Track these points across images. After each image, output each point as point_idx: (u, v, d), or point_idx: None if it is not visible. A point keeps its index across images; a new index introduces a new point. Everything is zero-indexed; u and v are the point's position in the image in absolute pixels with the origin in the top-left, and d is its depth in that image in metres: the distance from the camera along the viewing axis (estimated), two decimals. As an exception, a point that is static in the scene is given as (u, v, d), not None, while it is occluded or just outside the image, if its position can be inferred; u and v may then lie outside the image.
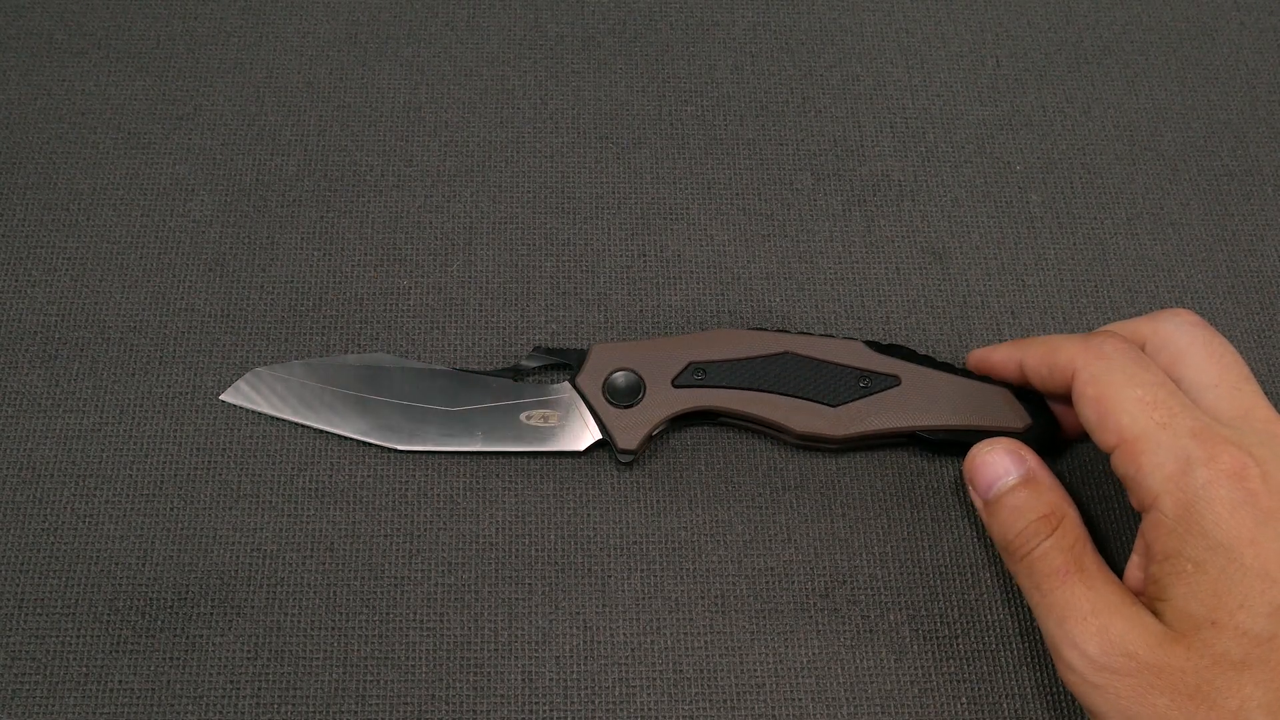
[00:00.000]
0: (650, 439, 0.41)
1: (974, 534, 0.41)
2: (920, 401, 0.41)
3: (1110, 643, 0.33)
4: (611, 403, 0.41)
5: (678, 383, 0.41)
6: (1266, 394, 0.36)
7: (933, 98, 0.50)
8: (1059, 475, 0.38)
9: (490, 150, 0.49)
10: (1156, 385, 0.35)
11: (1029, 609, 0.40)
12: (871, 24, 0.52)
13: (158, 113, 0.49)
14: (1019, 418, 0.40)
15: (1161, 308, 0.45)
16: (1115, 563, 0.37)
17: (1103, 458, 0.36)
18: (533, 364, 0.43)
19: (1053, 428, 0.41)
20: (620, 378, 0.41)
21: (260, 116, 0.49)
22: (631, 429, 0.41)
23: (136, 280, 0.45)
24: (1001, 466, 0.38)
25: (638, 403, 0.41)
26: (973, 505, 0.42)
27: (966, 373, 0.41)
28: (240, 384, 0.43)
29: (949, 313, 0.45)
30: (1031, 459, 0.38)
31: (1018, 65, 0.51)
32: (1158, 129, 0.50)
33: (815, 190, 0.48)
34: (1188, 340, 0.37)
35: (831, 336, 0.42)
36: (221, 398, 0.43)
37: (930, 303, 0.46)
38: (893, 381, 0.41)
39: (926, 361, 0.41)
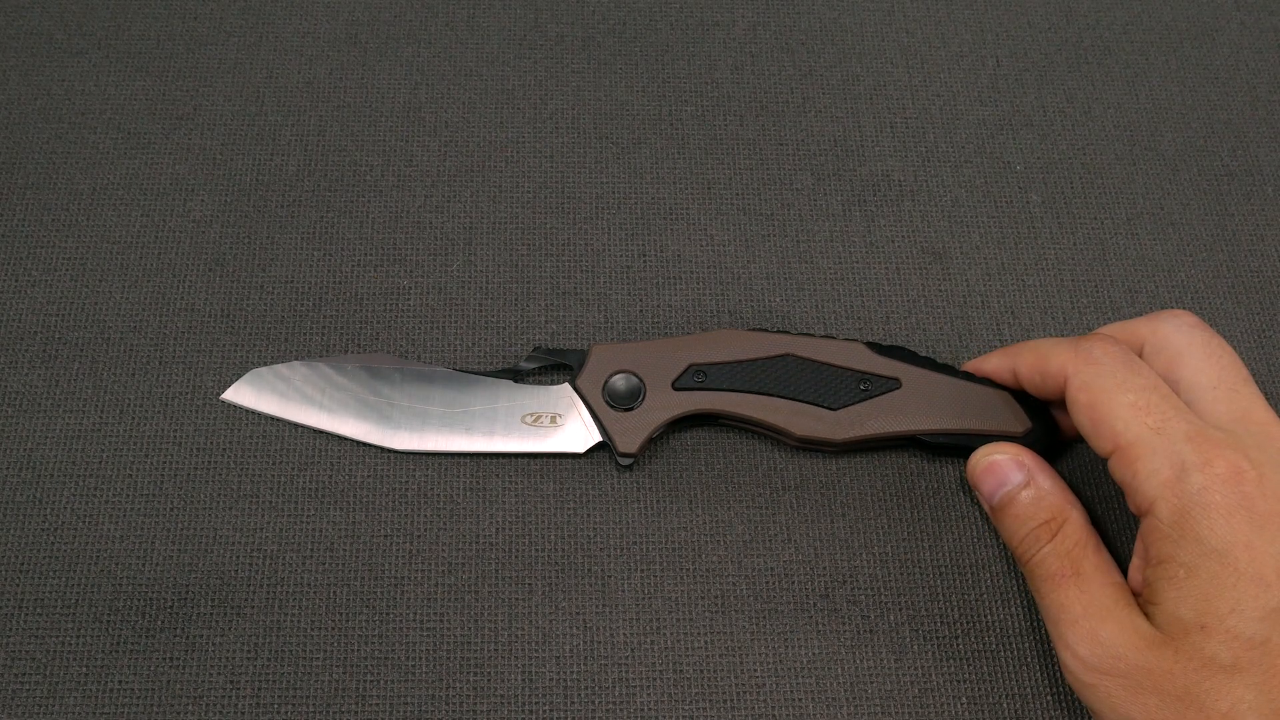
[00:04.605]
0: (650, 441, 0.41)
1: (974, 534, 0.41)
2: (920, 405, 0.41)
3: (1100, 645, 0.33)
4: (611, 405, 0.41)
5: (678, 385, 0.41)
6: (1266, 395, 0.36)
7: (933, 98, 0.50)
8: (1062, 474, 0.38)
9: (490, 150, 0.49)
10: (1149, 389, 0.35)
11: (1037, 607, 0.40)
12: (871, 24, 0.52)
13: (158, 113, 0.49)
14: (1019, 421, 0.40)
15: (1161, 308, 0.45)
16: (1124, 561, 0.37)
17: (1104, 459, 0.36)
18: (532, 365, 0.43)
19: (1053, 430, 0.41)
20: (620, 380, 0.41)
21: (260, 116, 0.49)
22: (631, 432, 0.41)
23: (136, 280, 0.45)
24: (1004, 472, 0.38)
25: (637, 406, 0.41)
26: (977, 506, 0.42)
27: (967, 375, 0.41)
28: (240, 384, 0.43)
29: (949, 313, 0.45)
30: (1033, 463, 0.38)
31: (1018, 65, 0.51)
32: (1158, 129, 0.50)
33: (815, 190, 0.48)
34: (1186, 341, 0.37)
35: (832, 338, 0.42)
36: (222, 398, 0.43)
37: (930, 303, 0.46)
38: (893, 384, 0.41)
39: (927, 363, 0.41)
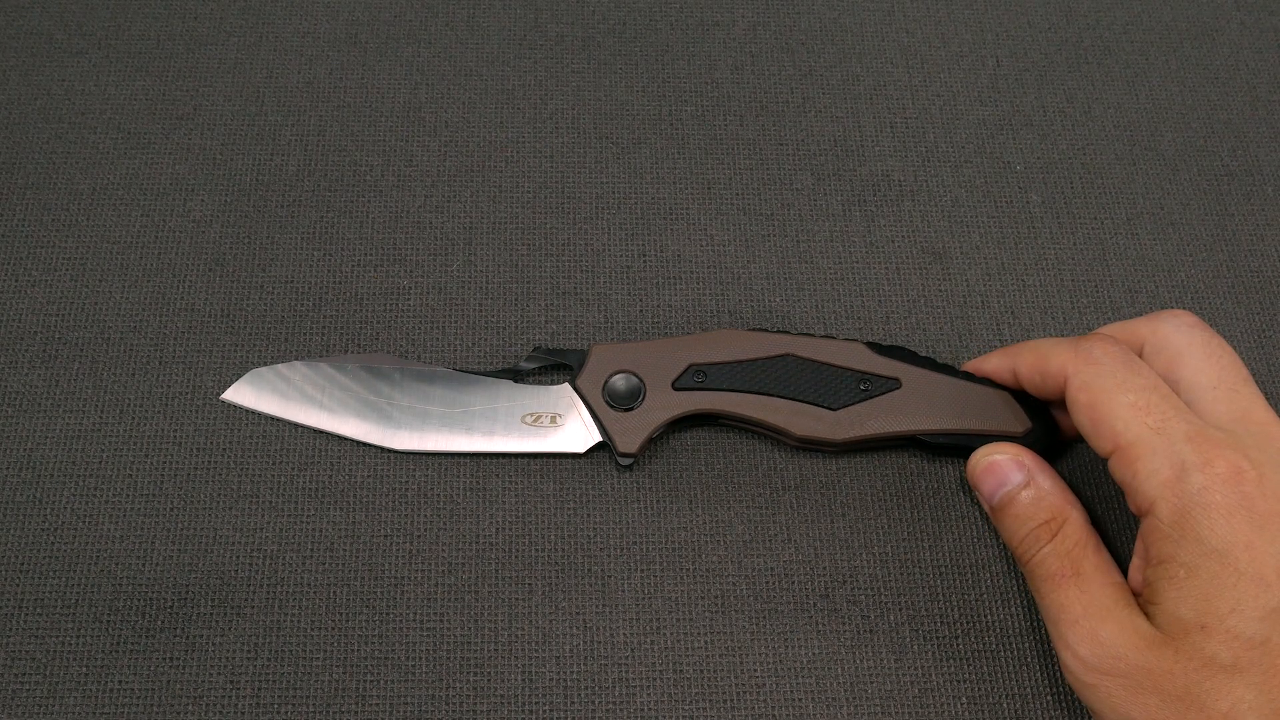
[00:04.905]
0: (650, 441, 0.41)
1: (974, 534, 0.41)
2: (920, 405, 0.41)
3: (1100, 645, 0.33)
4: (611, 406, 0.41)
5: (678, 385, 0.41)
6: (1266, 395, 0.36)
7: (933, 98, 0.50)
8: (1062, 474, 0.38)
9: (490, 150, 0.49)
10: (1149, 389, 0.35)
11: (1037, 608, 0.40)
12: (871, 24, 0.52)
13: (158, 113, 0.49)
14: (1019, 422, 0.40)
15: (1161, 308, 0.45)
16: (1124, 561, 0.37)
17: (1104, 460, 0.36)
18: (532, 365, 0.43)
19: (1053, 431, 0.41)
20: (620, 381, 0.41)
21: (260, 116, 0.49)
22: (631, 433, 0.41)
23: (136, 280, 0.45)
24: (1004, 472, 0.38)
25: (637, 406, 0.41)
26: (977, 506, 0.42)
27: (968, 375, 0.41)
28: (240, 384, 0.43)
29: (949, 313, 0.45)
30: (1032, 463, 0.38)
31: (1018, 65, 0.51)
32: (1158, 129, 0.50)
33: (815, 190, 0.48)
34: (1186, 341, 0.37)
35: (832, 338, 0.42)
36: (222, 397, 0.43)
37: (930, 303, 0.46)
38: (893, 384, 0.41)
39: (927, 364, 0.41)
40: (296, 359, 0.44)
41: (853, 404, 0.41)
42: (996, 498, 0.38)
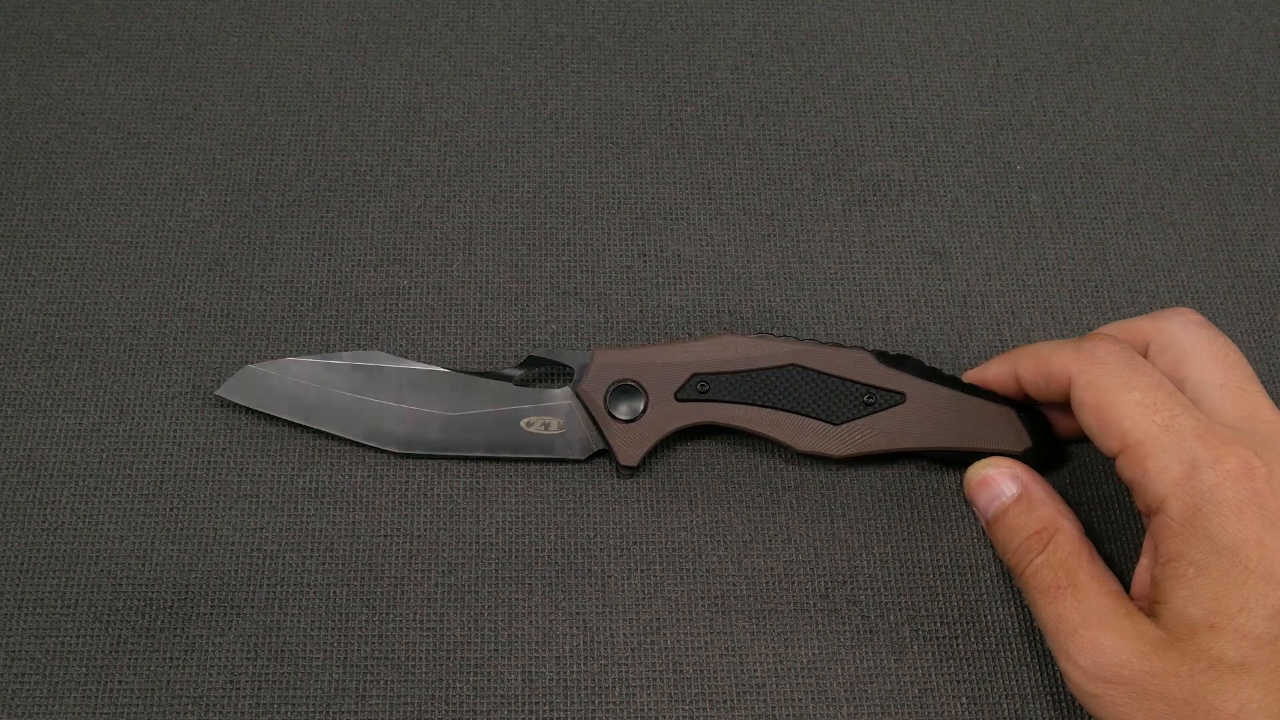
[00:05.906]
0: (652, 451, 0.41)
1: (973, 535, 0.41)
2: (923, 422, 0.40)
3: (1101, 653, 0.33)
4: (613, 416, 0.41)
5: (680, 396, 0.41)
6: (1269, 394, 0.36)
7: (933, 98, 0.50)
8: (1062, 479, 0.38)
9: (490, 150, 0.49)
10: (1154, 387, 0.35)
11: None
12: (871, 24, 0.52)
13: (158, 113, 0.49)
14: (1020, 440, 0.40)
15: (1162, 308, 0.45)
16: (1117, 567, 0.37)
17: (1103, 461, 0.36)
18: (532, 370, 0.42)
19: (1053, 446, 0.40)
20: (622, 392, 0.41)
21: (260, 116, 0.49)
22: (633, 444, 0.40)
23: (136, 280, 0.45)
24: (997, 486, 0.38)
25: (640, 417, 0.41)
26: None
27: (971, 387, 0.40)
28: (234, 380, 0.42)
29: (949, 313, 0.45)
30: (1026, 476, 0.38)
31: (1018, 65, 0.51)
32: (1158, 129, 0.50)
33: (815, 190, 0.48)
34: (1191, 340, 0.37)
35: (839, 345, 0.41)
36: (217, 393, 0.42)
37: (930, 303, 0.45)
38: (897, 399, 0.40)
39: (932, 375, 0.41)
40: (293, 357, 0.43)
41: (856, 419, 0.40)
42: (990, 511, 0.38)
